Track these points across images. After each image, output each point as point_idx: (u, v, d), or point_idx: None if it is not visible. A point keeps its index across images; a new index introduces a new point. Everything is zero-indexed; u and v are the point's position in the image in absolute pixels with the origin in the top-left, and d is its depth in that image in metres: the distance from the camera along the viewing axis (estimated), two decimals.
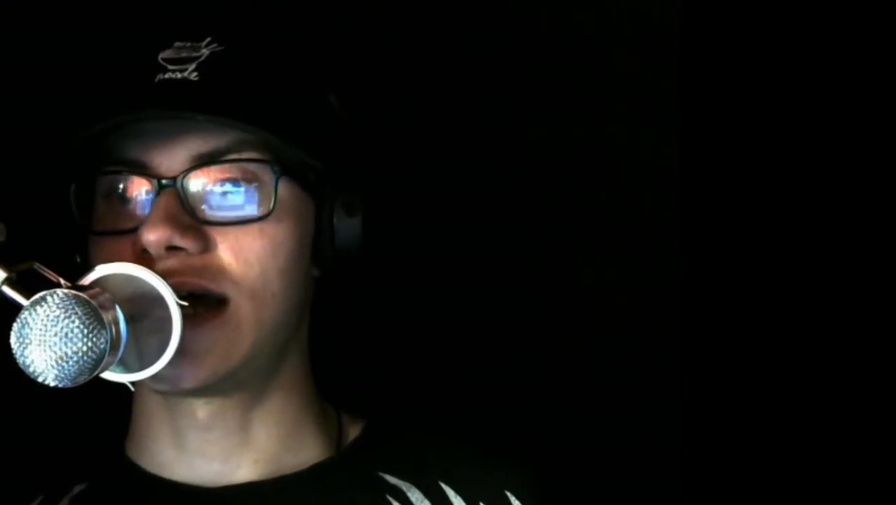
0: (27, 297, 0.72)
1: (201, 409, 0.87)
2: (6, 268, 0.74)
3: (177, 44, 0.87)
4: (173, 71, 0.85)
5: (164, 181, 0.83)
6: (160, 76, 0.85)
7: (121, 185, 0.85)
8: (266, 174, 0.85)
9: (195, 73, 0.84)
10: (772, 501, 1.39)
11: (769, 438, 1.39)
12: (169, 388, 0.83)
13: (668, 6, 1.37)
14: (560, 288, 1.39)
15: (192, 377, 0.82)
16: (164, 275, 0.80)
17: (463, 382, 1.29)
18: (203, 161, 0.84)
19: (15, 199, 0.80)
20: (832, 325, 1.39)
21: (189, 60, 0.85)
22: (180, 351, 0.78)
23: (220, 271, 0.83)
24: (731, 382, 1.39)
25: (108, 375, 0.77)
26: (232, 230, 0.84)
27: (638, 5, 1.38)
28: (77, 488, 0.91)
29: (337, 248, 0.89)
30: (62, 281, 0.75)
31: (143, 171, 0.84)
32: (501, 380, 1.32)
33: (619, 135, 1.38)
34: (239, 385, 0.87)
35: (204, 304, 0.83)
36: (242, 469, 0.89)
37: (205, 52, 0.86)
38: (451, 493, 0.93)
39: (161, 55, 0.86)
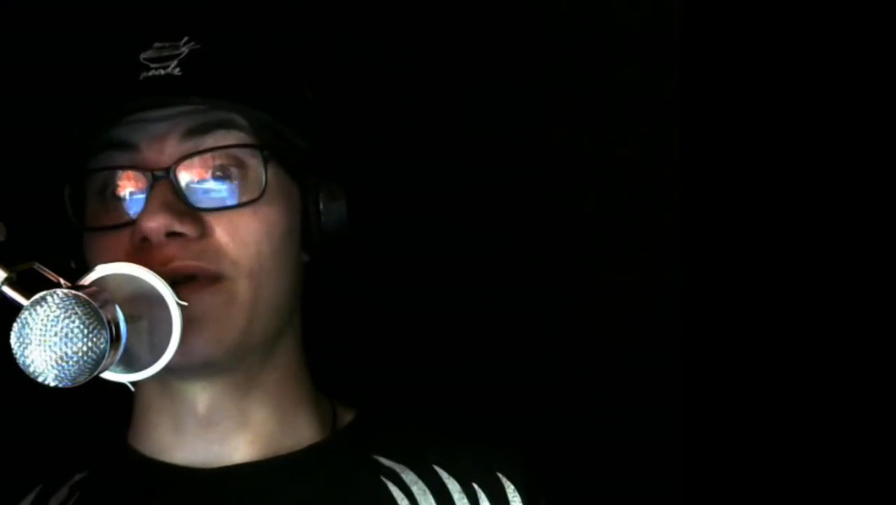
0: (27, 297, 0.73)
1: (200, 396, 0.89)
2: (6, 268, 0.74)
3: (156, 44, 0.89)
4: (156, 69, 0.87)
5: (157, 173, 0.85)
6: (144, 74, 0.87)
7: (113, 182, 0.87)
8: (254, 159, 0.87)
9: (178, 69, 0.86)
10: (774, 500, 1.39)
11: (772, 435, 1.39)
12: (178, 363, 0.82)
13: (668, 6, 1.37)
14: (560, 286, 1.39)
15: (200, 349, 0.83)
16: (165, 260, 0.82)
17: (462, 380, 1.29)
18: (193, 133, 0.86)
19: (15, 199, 0.80)
20: (835, 323, 1.38)
21: (170, 58, 0.87)
22: (183, 323, 0.79)
23: (217, 253, 0.85)
24: (734, 379, 1.39)
25: (108, 375, 0.77)
26: (226, 214, 0.86)
27: (638, 5, 1.38)
28: (77, 476, 0.92)
29: (324, 230, 0.91)
30: (62, 281, 0.75)
31: (136, 166, 0.86)
32: (502, 377, 1.32)
33: (620, 135, 1.39)
34: (236, 366, 0.88)
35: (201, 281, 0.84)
36: (240, 450, 0.91)
37: (184, 49, 0.88)
38: (444, 474, 0.94)
39: (142, 55, 0.88)
